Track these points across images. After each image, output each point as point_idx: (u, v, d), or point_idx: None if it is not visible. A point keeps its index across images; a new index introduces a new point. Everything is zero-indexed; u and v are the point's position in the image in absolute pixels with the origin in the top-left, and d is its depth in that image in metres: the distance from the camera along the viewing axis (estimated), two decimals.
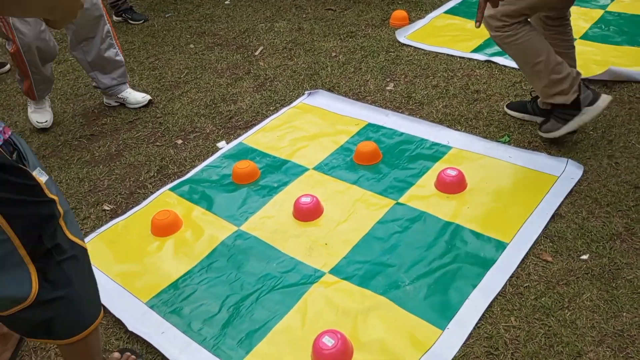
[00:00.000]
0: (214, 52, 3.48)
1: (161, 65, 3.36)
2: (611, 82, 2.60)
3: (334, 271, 1.82)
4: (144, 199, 2.27)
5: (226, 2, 4.17)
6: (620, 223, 1.85)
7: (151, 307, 1.77)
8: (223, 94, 2.99)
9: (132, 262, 1.96)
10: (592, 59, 2.81)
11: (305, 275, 1.82)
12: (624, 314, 1.56)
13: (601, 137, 2.28)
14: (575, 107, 2.12)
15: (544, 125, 2.25)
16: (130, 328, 1.69)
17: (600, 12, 3.25)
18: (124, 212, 2.20)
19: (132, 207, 2.22)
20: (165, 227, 2.05)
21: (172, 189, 2.30)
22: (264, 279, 1.83)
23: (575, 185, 2.04)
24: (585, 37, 3.04)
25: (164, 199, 2.24)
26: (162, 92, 3.07)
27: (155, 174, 2.41)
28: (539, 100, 2.39)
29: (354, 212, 2.06)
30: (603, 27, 3.10)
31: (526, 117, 2.46)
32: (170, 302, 1.79)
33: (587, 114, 2.13)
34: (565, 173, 2.11)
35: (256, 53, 3.40)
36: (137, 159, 2.52)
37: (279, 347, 1.60)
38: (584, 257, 1.75)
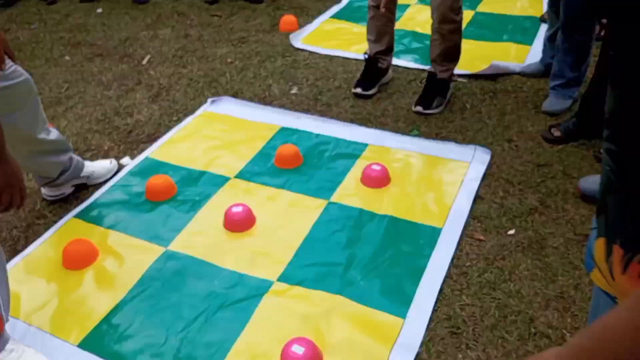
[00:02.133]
0: (95, 63, 3.19)
1: (36, 81, 2.97)
2: (495, 75, 2.86)
3: (283, 278, 1.75)
4: (46, 229, 1.99)
5: (98, 11, 3.85)
6: (534, 198, 2.03)
7: (85, 349, 1.55)
8: (115, 107, 2.75)
9: (48, 302, 1.70)
10: (474, 55, 3.06)
11: (253, 287, 1.72)
12: (559, 277, 1.70)
13: (497, 124, 2.49)
14: None
15: None
16: None
17: (472, 12, 3.56)
18: (24, 248, 1.91)
19: (34, 240, 1.93)
20: (80, 259, 1.82)
21: (78, 216, 2.04)
22: (209, 298, 1.70)
23: (486, 169, 2.20)
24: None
25: (71, 227, 1.99)
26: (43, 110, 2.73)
27: (54, 201, 2.13)
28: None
29: (289, 216, 2.01)
30: (476, 26, 3.40)
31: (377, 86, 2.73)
32: (106, 340, 1.58)
33: None
34: (475, 158, 2.26)
35: (144, 62, 3.18)
36: (28, 185, 2.20)
37: None
38: (511, 232, 1.89)
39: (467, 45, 3.16)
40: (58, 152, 2.01)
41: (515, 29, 3.32)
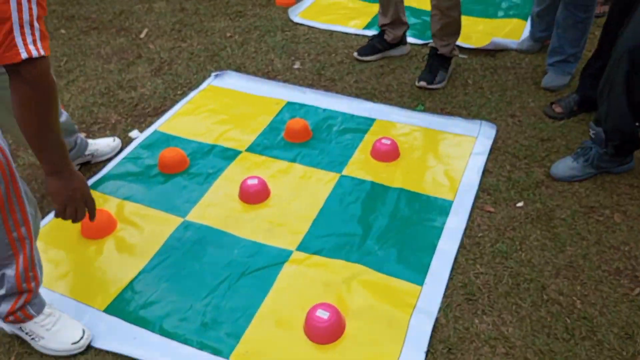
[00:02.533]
0: (92, 36, 3.14)
1: None
2: (494, 51, 2.91)
3: (302, 248, 1.79)
4: None
5: None
6: (540, 172, 2.10)
7: (111, 314, 1.58)
8: (118, 80, 2.72)
9: (70, 271, 1.71)
10: (470, 31, 3.10)
11: (273, 256, 1.76)
12: (568, 247, 1.78)
13: (500, 100, 2.55)
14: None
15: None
16: (97, 345, 1.49)
17: None
18: (42, 218, 1.90)
19: (50, 212, 1.93)
20: (99, 228, 1.83)
21: (92, 187, 2.04)
22: (230, 266, 1.73)
23: (493, 143, 2.26)
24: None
25: None
26: None
27: None
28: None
29: (302, 189, 2.04)
30: (471, 2, 3.43)
31: (379, 56, 2.82)
32: (131, 306, 1.61)
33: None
34: (482, 133, 2.32)
35: (142, 35, 3.14)
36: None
37: (269, 329, 1.54)
38: (520, 204, 1.96)
39: (464, 20, 3.22)
40: (66, 134, 1.99)
41: (510, 5, 3.37)
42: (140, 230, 1.86)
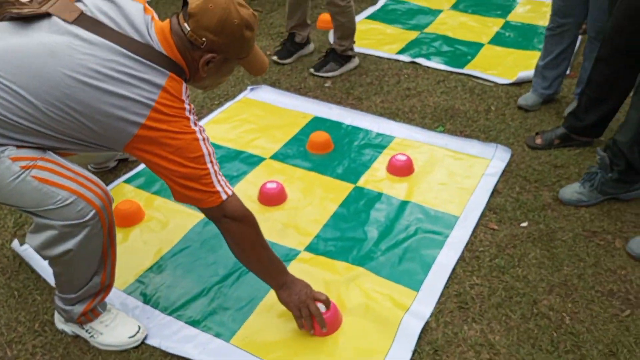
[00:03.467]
0: None
1: None
2: (521, 83, 2.99)
3: (309, 249, 1.92)
4: None
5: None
6: (548, 195, 2.16)
7: (129, 294, 1.75)
8: None
9: None
10: (502, 61, 3.19)
11: (282, 254, 1.89)
12: (565, 267, 1.83)
13: (520, 126, 2.62)
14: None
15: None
16: None
17: (502, 20, 3.69)
18: None
19: None
20: (129, 217, 2.02)
21: (127, 181, 2.25)
22: None
23: (506, 166, 2.33)
24: (492, 42, 3.44)
25: (120, 190, 2.19)
26: None
27: (98, 171, 2.34)
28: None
29: (317, 195, 2.18)
30: (506, 34, 3.53)
31: (295, 57, 3.22)
32: (149, 288, 1.77)
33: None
34: (496, 156, 2.40)
35: None
36: None
37: (270, 319, 1.67)
38: (524, 224, 2.03)
39: (495, 51, 3.33)
40: None
41: (542, 39, 3.44)
42: (164, 222, 2.04)
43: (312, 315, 1.56)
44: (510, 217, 2.06)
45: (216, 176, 1.41)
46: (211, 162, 1.40)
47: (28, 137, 1.30)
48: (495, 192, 2.19)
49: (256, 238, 1.52)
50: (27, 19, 1.32)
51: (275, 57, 3.21)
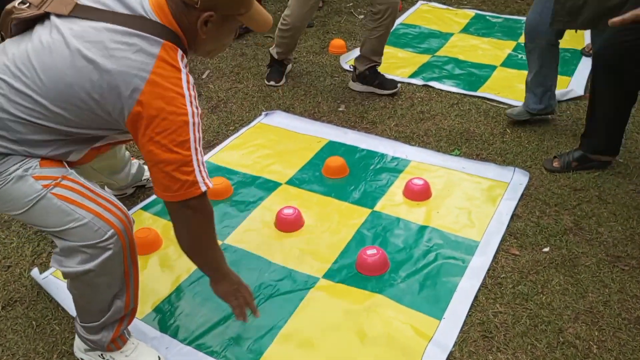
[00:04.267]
0: None
1: None
2: None
3: (328, 276, 1.90)
4: None
5: None
6: (569, 219, 2.13)
7: (147, 323, 1.73)
8: None
9: None
10: (514, 83, 3.19)
11: (300, 282, 1.88)
12: (589, 294, 1.80)
13: (537, 149, 2.60)
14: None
15: None
16: None
17: (514, 42, 3.70)
18: None
19: None
20: (146, 245, 2.01)
21: (144, 208, 2.25)
22: (259, 288, 1.86)
23: (524, 190, 2.31)
24: (504, 64, 3.45)
25: (138, 218, 2.19)
26: None
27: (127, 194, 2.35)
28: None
29: (334, 221, 2.16)
30: (518, 56, 3.53)
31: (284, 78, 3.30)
32: (167, 317, 1.76)
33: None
34: (514, 179, 2.37)
35: (203, 76, 3.43)
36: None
37: (290, 350, 1.64)
38: (546, 249, 1.99)
39: (509, 73, 3.33)
40: (131, 166, 2.23)
41: (562, 61, 3.44)
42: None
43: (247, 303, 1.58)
44: (531, 242, 2.03)
45: (199, 165, 1.33)
46: (196, 149, 1.32)
47: (42, 135, 1.33)
48: (514, 216, 2.17)
49: (214, 232, 1.50)
50: (29, 25, 1.37)
51: (272, 83, 3.27)
